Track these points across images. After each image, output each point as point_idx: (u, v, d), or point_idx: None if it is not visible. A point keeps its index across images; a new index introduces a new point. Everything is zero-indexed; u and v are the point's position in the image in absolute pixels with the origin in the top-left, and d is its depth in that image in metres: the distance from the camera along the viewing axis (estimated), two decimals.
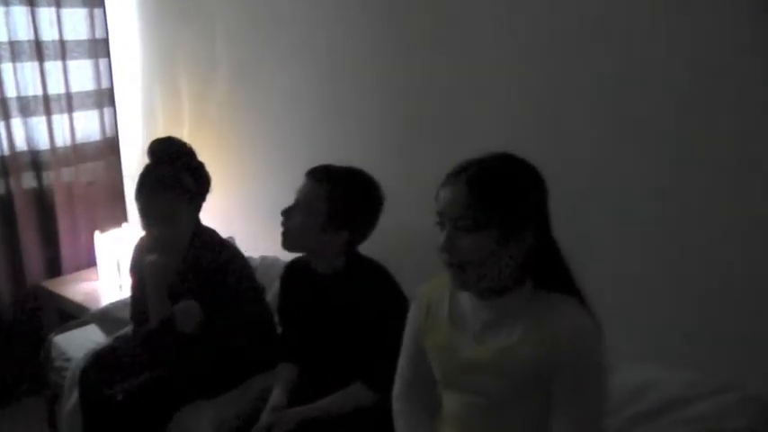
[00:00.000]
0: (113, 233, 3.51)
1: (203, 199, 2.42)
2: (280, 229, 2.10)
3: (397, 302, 2.02)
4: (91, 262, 3.63)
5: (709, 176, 2.03)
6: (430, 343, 1.65)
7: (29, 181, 3.51)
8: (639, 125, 2.12)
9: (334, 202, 2.02)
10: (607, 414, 1.51)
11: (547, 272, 1.51)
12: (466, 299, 1.59)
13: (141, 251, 2.49)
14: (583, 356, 1.43)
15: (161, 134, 3.49)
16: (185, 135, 3.30)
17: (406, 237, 2.66)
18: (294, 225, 2.06)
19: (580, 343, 1.43)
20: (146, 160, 2.41)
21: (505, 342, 1.49)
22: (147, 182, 2.30)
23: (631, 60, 2.10)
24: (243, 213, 3.35)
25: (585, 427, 1.45)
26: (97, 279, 3.54)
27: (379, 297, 2.03)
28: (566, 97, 2.25)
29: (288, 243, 2.11)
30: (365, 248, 2.19)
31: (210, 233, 2.44)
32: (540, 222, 1.50)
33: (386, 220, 2.34)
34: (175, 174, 2.30)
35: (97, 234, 3.50)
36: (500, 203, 1.44)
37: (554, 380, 1.44)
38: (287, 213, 2.08)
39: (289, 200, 2.12)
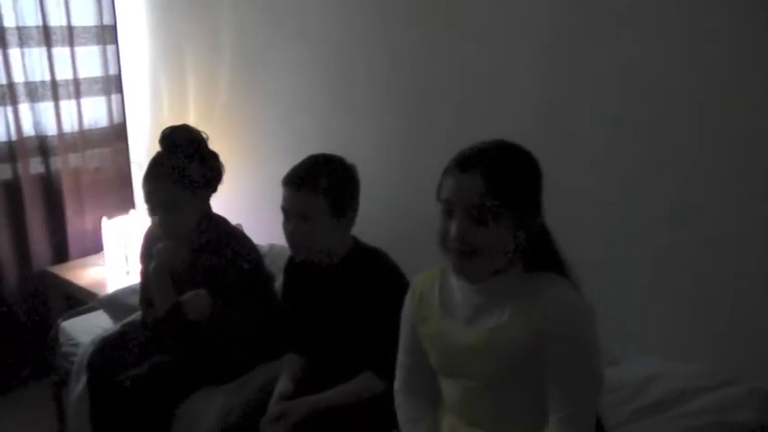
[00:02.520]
0: (120, 220, 3.52)
1: (213, 189, 2.41)
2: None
3: (401, 289, 2.02)
4: (97, 248, 3.65)
5: (718, 174, 2.03)
6: (424, 332, 1.67)
7: (36, 166, 3.52)
8: (649, 120, 2.12)
9: (332, 198, 2.03)
10: (600, 390, 1.51)
11: (538, 252, 1.53)
12: (456, 285, 1.61)
13: (151, 238, 2.49)
14: (571, 334, 1.44)
15: (168, 121, 3.51)
16: (192, 122, 3.30)
17: (410, 226, 2.67)
18: (308, 237, 2.04)
19: (568, 321, 1.44)
20: (153, 147, 2.41)
21: (496, 323, 1.51)
22: (153, 170, 2.30)
23: (643, 58, 2.10)
24: (251, 201, 3.35)
25: (579, 406, 1.46)
26: (103, 265, 3.55)
27: (383, 284, 2.04)
28: (575, 95, 2.26)
29: (305, 254, 2.10)
30: (370, 239, 2.19)
31: (221, 222, 2.44)
32: (540, 207, 1.52)
33: (393, 210, 2.35)
34: (182, 164, 2.28)
35: (104, 220, 3.51)
36: (514, 194, 1.45)
37: (545, 356, 1.45)
38: (297, 230, 2.04)
39: None
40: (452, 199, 1.47)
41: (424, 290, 1.69)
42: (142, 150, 3.84)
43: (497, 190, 1.43)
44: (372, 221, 2.15)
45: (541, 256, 1.53)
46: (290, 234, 2.05)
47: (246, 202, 3.33)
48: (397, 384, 1.79)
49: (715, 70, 1.99)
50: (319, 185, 2.00)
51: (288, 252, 2.42)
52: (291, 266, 2.28)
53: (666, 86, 2.08)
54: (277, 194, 2.22)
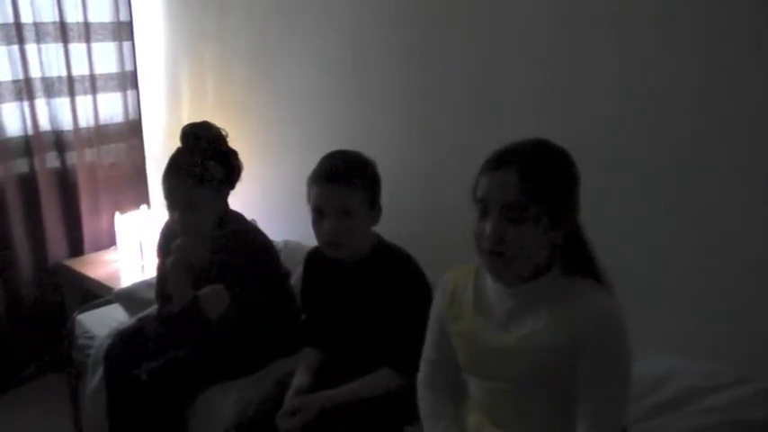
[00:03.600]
0: (133, 215, 3.56)
1: (232, 187, 2.42)
2: (302, 213, 2.10)
3: (421, 287, 2.04)
4: (111, 242, 3.69)
5: (730, 173, 2.04)
6: (454, 329, 1.67)
7: (52, 161, 3.55)
8: (666, 112, 2.13)
9: (368, 193, 2.04)
10: (630, 400, 1.51)
11: (573, 257, 1.52)
12: (491, 287, 1.60)
13: (169, 233, 2.50)
14: (606, 341, 1.44)
15: (183, 117, 3.54)
16: (206, 118, 3.33)
17: (427, 222, 2.69)
18: (347, 233, 2.01)
19: (603, 328, 1.44)
20: (167, 143, 2.41)
21: (531, 328, 1.51)
22: (174, 167, 2.30)
23: (650, 57, 2.11)
24: (266, 197, 3.37)
25: (608, 416, 1.46)
26: (117, 259, 3.59)
27: (404, 282, 2.04)
28: (590, 84, 2.27)
29: (342, 251, 2.07)
30: (387, 235, 2.21)
31: (238, 218, 2.45)
32: (576, 208, 1.52)
33: (407, 207, 2.35)
34: (203, 162, 2.28)
35: (117, 215, 3.54)
36: (550, 193, 1.44)
37: (578, 364, 1.45)
38: (336, 227, 2.01)
39: None
40: (487, 197, 1.47)
41: (456, 287, 1.68)
42: (157, 146, 3.86)
43: (533, 187, 1.42)
44: (383, 218, 2.16)
45: (577, 260, 1.52)
46: (328, 232, 2.01)
47: (261, 198, 3.34)
48: (420, 377, 1.80)
49: (724, 70, 2.00)
50: (358, 180, 2.00)
51: (304, 248, 2.43)
52: (312, 261, 2.28)
53: (671, 88, 2.09)
54: (292, 191, 2.23)
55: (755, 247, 2.04)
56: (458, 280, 1.69)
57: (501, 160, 1.47)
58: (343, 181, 1.99)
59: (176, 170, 2.29)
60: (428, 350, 1.78)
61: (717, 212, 2.09)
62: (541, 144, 1.50)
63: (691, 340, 2.18)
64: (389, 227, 2.16)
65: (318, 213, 2.03)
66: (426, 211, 2.77)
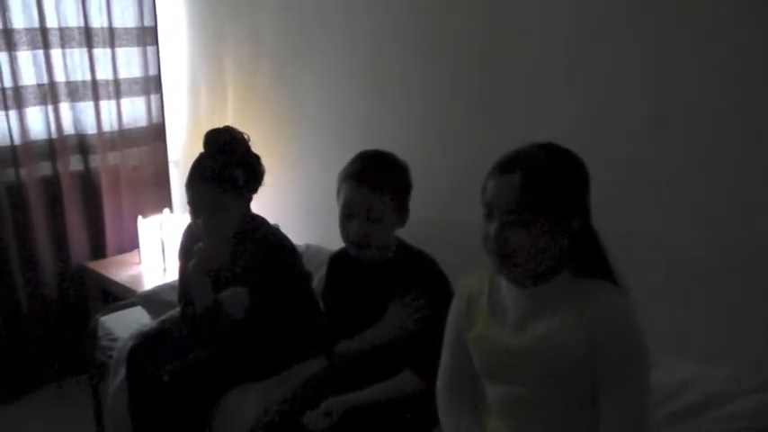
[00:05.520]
0: (155, 218, 3.58)
1: (254, 191, 2.42)
2: (323, 217, 2.11)
3: (442, 290, 2.04)
4: (134, 245, 3.71)
5: (749, 177, 2.03)
6: (471, 334, 1.67)
7: (76, 164, 3.58)
8: (691, 110, 2.12)
9: (399, 199, 2.05)
10: (650, 398, 1.52)
11: (586, 259, 1.53)
12: (505, 289, 1.61)
13: (191, 236, 2.50)
14: (623, 340, 1.45)
15: (205, 122, 3.56)
16: (229, 123, 3.35)
17: (447, 227, 2.68)
18: (375, 236, 2.03)
19: (623, 330, 1.45)
20: (190, 146, 2.42)
21: (545, 328, 1.51)
22: (198, 173, 2.30)
23: (686, 66, 2.11)
24: (287, 201, 3.38)
25: (633, 412, 1.47)
26: (139, 262, 3.62)
27: (426, 285, 2.05)
28: (614, 90, 2.26)
29: (369, 254, 2.08)
30: (408, 239, 2.22)
31: (260, 221, 2.46)
32: (585, 211, 1.53)
33: (428, 211, 2.35)
34: (227, 167, 2.29)
35: (140, 219, 3.57)
36: (553, 199, 1.45)
37: (596, 366, 1.46)
38: (365, 229, 2.02)
39: (333, 187, 2.12)
40: (492, 201, 1.49)
41: (472, 292, 1.69)
42: (180, 150, 3.90)
43: (535, 193, 1.44)
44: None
45: (589, 260, 1.53)
46: (355, 233, 2.03)
47: (283, 202, 3.36)
48: (439, 385, 1.80)
49: (734, 69, 2.00)
50: (388, 185, 2.01)
51: (325, 251, 2.43)
52: (336, 262, 2.29)
53: (700, 98, 2.09)
54: (313, 195, 2.24)
55: None
56: (473, 285, 1.71)
57: (506, 166, 1.49)
58: (373, 185, 2.00)
59: (200, 176, 2.29)
60: (446, 358, 1.78)
61: (742, 218, 2.08)
62: (548, 149, 1.51)
63: (711, 345, 2.17)
64: (408, 230, 2.17)
65: (347, 212, 2.04)
66: (449, 216, 2.76)
